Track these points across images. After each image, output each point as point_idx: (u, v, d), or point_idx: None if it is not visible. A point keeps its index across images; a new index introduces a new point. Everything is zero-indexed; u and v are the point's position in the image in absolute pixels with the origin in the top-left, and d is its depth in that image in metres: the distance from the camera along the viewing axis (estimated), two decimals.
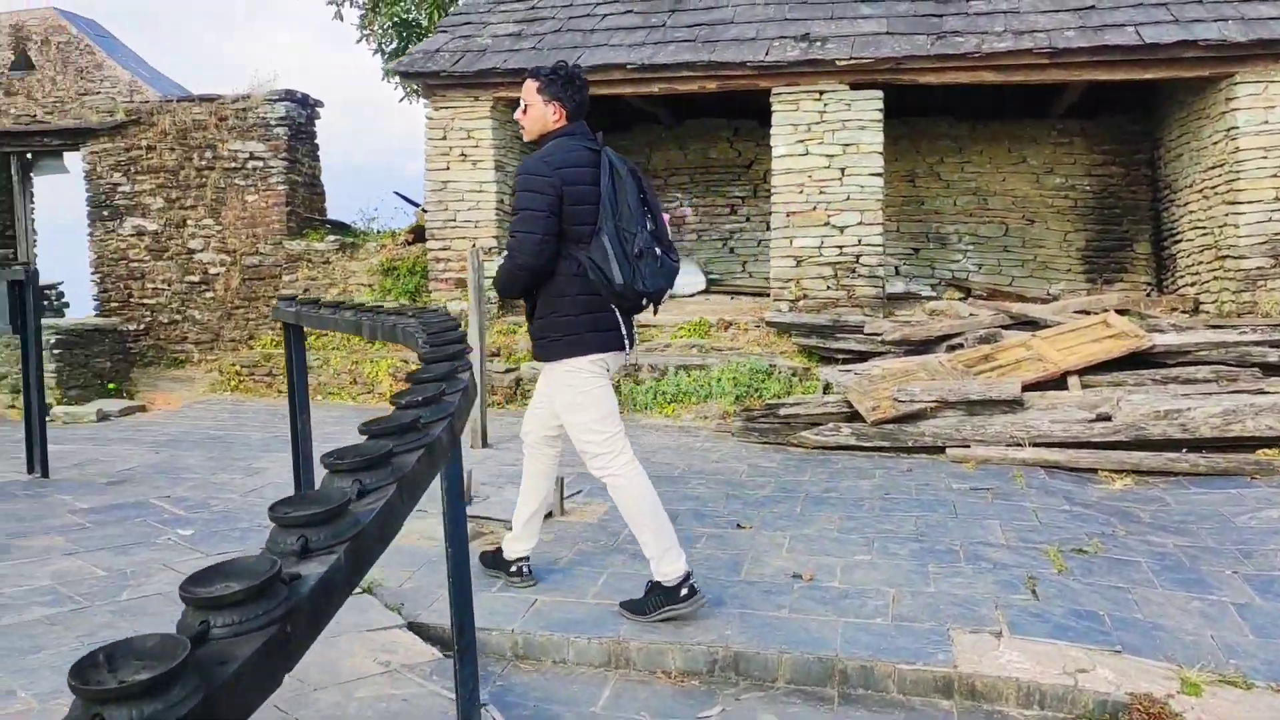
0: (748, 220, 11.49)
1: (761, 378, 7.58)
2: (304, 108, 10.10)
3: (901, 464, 5.84)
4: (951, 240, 10.43)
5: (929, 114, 10.19)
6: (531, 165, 3.56)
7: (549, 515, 4.77)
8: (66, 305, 8.85)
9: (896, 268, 10.38)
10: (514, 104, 9.64)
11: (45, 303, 8.41)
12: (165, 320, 10.13)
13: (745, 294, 10.30)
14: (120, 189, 10.23)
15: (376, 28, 14.47)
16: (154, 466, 5.89)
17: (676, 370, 7.85)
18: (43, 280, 9.97)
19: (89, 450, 6.38)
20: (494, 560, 3.93)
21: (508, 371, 8.29)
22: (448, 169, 8.98)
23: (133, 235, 10.22)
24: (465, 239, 9.00)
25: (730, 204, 11.61)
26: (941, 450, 5.99)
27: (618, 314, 3.61)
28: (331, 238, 9.74)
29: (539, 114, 3.65)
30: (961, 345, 7.27)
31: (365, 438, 1.75)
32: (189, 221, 10.10)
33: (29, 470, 5.11)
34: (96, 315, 9.69)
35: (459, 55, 8.84)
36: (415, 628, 3.43)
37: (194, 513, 4.73)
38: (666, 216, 3.79)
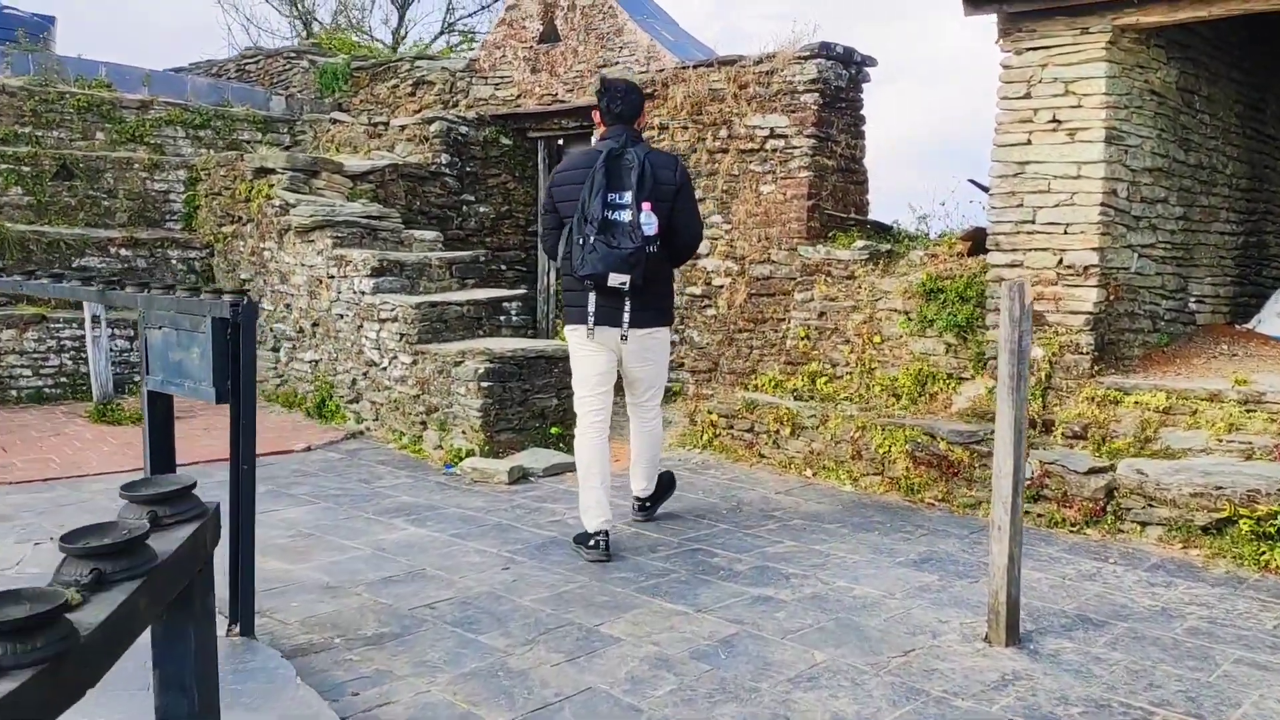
0: None
1: None
2: (845, 67, 7.90)
3: None
4: None
5: None
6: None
7: None
8: (525, 318, 7.64)
9: None
10: (1146, 36, 6.50)
11: (503, 317, 7.21)
12: None
13: None
14: None
15: None
16: (464, 607, 4.08)
17: None
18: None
19: (427, 549, 4.83)
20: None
21: (1094, 472, 5.29)
22: (1027, 143, 6.16)
23: None
24: (1048, 250, 6.13)
25: None
26: None
27: (592, 294, 4.68)
28: (861, 244, 7.43)
29: (596, 121, 5.03)
30: None
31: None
32: None
33: (230, 622, 3.51)
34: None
35: None
36: None
37: None
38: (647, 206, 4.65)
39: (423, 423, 6.94)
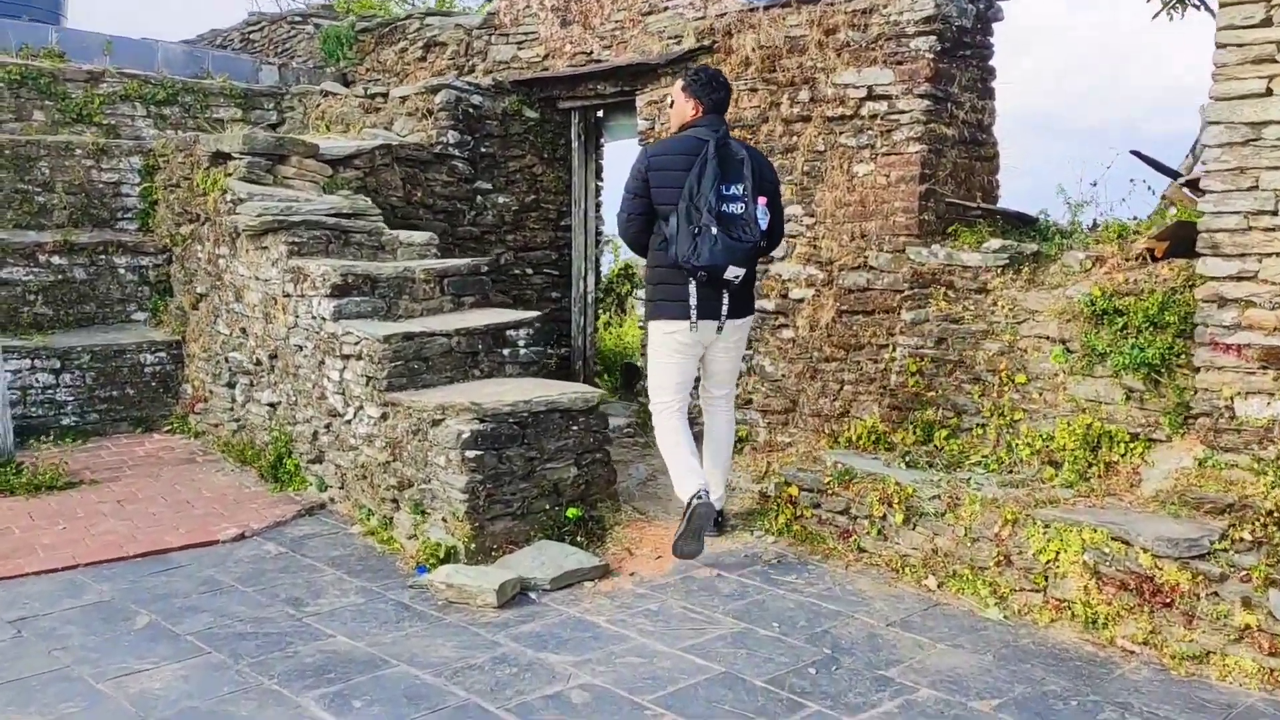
0: None
1: None
2: (970, 1, 5.93)
3: None
4: None
5: None
6: (639, 154, 4.99)
7: None
8: (537, 350, 5.82)
9: None
10: None
11: (507, 350, 5.46)
12: None
13: None
14: None
15: None
16: None
17: None
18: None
19: None
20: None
21: None
22: (1266, 93, 4.21)
23: None
24: None
25: None
26: None
27: (692, 285, 4.72)
28: (996, 243, 5.49)
29: (680, 109, 4.96)
30: None
31: None
32: None
33: None
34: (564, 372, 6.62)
35: None
36: None
37: None
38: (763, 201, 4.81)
39: (394, 500, 5.20)
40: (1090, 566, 4.12)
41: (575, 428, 5.13)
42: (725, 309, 4.81)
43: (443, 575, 4.47)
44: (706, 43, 6.96)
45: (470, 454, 4.72)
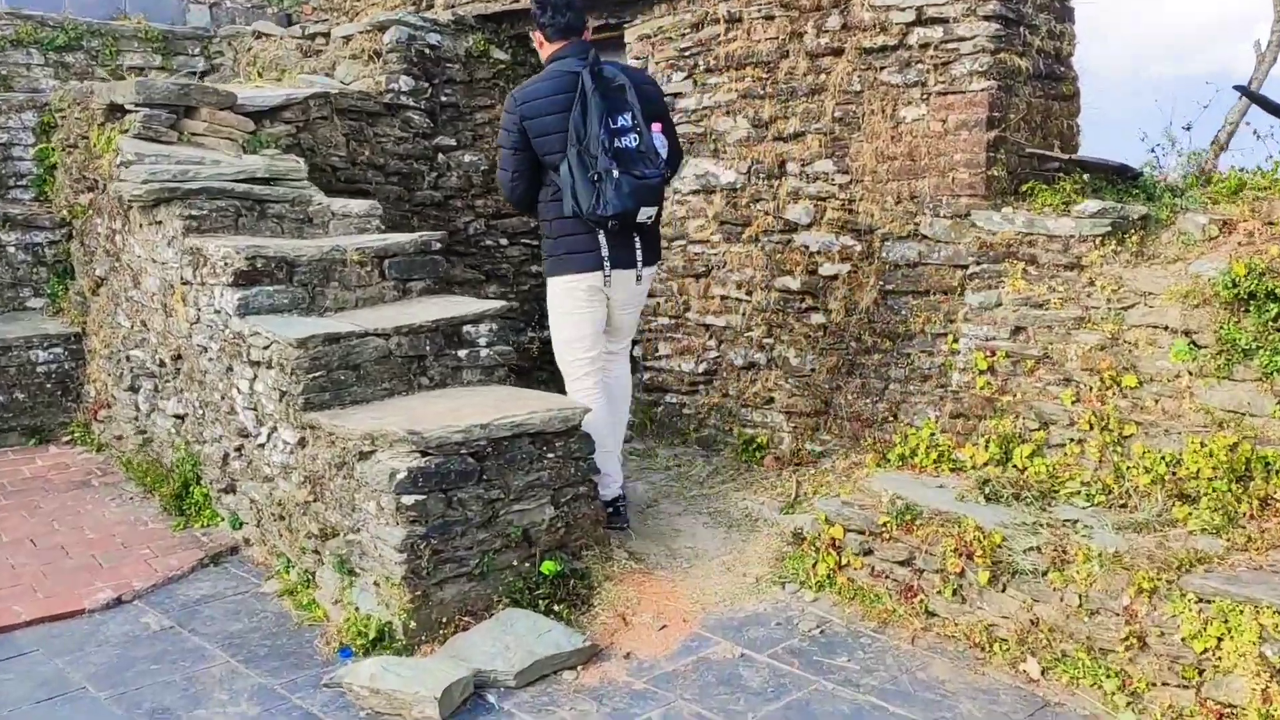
0: None
1: None
2: None
3: None
4: None
5: None
6: (507, 101, 4.37)
7: None
8: (502, 350, 4.59)
9: None
10: None
11: (464, 351, 4.29)
12: (738, 361, 5.59)
13: None
14: (681, 102, 5.87)
15: None
16: None
17: None
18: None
19: None
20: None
21: None
22: None
23: (697, 194, 5.81)
24: None
25: None
26: None
27: (601, 235, 4.26)
28: (1092, 205, 4.29)
29: (537, 42, 4.48)
30: None
31: None
32: (788, 163, 5.36)
33: None
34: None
35: None
36: None
37: None
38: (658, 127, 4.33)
39: (316, 551, 4.02)
40: (1271, 662, 2.97)
41: (551, 455, 3.94)
42: (640, 256, 4.39)
43: (365, 675, 3.29)
44: None
45: (408, 500, 3.54)
